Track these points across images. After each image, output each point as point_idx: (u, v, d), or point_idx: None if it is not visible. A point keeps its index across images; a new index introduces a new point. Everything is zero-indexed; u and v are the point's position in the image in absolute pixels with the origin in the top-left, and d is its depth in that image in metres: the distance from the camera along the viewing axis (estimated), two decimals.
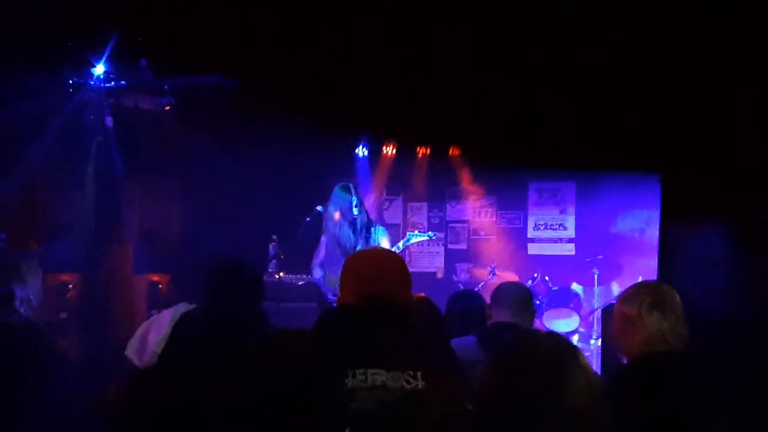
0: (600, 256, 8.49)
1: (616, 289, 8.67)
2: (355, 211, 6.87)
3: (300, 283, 7.74)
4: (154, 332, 3.71)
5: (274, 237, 7.90)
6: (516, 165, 9.23)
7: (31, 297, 3.99)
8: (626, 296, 3.02)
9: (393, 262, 2.84)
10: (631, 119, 5.74)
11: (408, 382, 2.51)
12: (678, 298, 2.97)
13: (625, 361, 3.01)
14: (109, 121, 7.65)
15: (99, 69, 7.45)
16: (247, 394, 2.19)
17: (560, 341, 2.12)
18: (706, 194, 4.95)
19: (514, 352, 2.12)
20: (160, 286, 8.53)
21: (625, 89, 5.71)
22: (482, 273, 9.03)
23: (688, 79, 5.17)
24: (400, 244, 7.09)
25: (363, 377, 2.51)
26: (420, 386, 2.52)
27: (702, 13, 4.91)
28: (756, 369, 3.95)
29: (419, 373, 2.52)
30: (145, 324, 3.81)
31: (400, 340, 2.58)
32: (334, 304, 6.99)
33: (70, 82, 7.48)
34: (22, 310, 3.93)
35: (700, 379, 2.82)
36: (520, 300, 4.16)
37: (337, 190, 7.00)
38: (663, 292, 2.98)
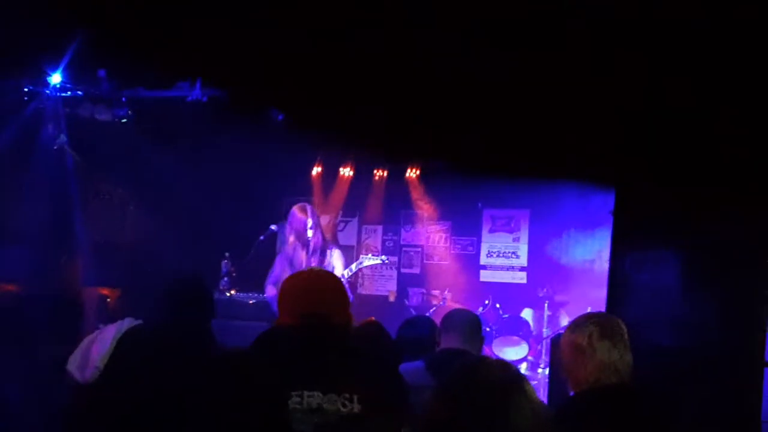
0: (544, 290, 8.59)
1: (564, 318, 8.75)
2: (310, 233, 6.85)
3: (251, 302, 7.70)
4: (97, 347, 3.65)
5: (227, 254, 7.86)
6: (471, 189, 9.31)
7: None
8: (576, 325, 3.04)
9: (331, 282, 2.84)
10: (585, 145, 5.80)
11: (344, 406, 2.50)
12: (624, 328, 3.01)
13: (572, 392, 3.03)
14: (63, 138, 7.57)
15: (56, 78, 7.37)
16: (191, 411, 2.16)
17: (507, 369, 2.13)
18: (656, 225, 5.02)
19: (461, 379, 2.12)
20: (108, 299, 8.42)
21: (579, 115, 5.78)
22: (436, 298, 9.06)
23: (641, 106, 5.24)
24: (353, 266, 7.08)
25: (299, 399, 2.50)
26: (356, 410, 2.51)
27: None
28: (703, 399, 4.01)
29: (356, 397, 2.51)
30: (87, 339, 3.74)
31: (338, 362, 2.57)
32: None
33: (26, 90, 7.38)
34: None
35: (648, 410, 2.85)
36: (470, 326, 4.17)
37: (293, 210, 6.98)
38: (611, 322, 3.02)
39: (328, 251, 7.03)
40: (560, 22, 5.00)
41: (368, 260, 7.22)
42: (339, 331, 2.66)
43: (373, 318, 3.69)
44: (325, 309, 2.68)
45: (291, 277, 2.91)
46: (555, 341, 5.16)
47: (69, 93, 7.52)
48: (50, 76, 7.33)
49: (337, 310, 2.72)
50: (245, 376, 2.08)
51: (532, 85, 5.75)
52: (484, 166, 8.32)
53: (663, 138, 4.97)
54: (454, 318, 4.22)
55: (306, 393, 2.50)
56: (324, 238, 7.11)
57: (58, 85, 7.45)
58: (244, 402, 2.06)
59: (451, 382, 2.12)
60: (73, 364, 3.64)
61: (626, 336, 2.98)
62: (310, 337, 2.58)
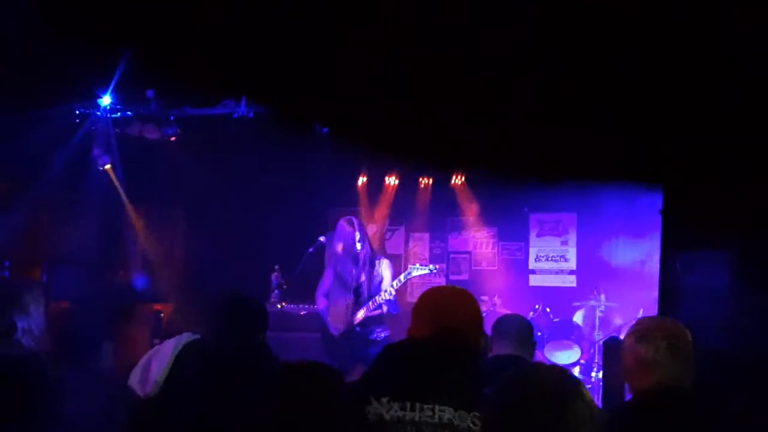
0: (594, 293, 8.53)
1: (617, 320, 8.68)
2: (359, 246, 6.89)
3: (302, 313, 7.78)
4: (156, 362, 3.74)
5: (277, 267, 7.95)
6: (517, 194, 9.29)
7: (34, 327, 3.98)
8: (641, 335, 2.97)
9: (469, 302, 2.85)
10: (634, 149, 5.76)
11: (474, 424, 2.52)
12: (690, 338, 2.95)
13: (628, 396, 3.00)
14: (105, 159, 7.72)
15: (105, 99, 7.53)
16: (256, 424, 2.20)
17: (564, 374, 2.14)
18: (707, 227, 4.97)
19: (518, 386, 2.13)
20: (162, 315, 8.56)
21: (630, 117, 5.74)
22: (486, 304, 9.05)
23: (692, 110, 5.19)
24: (402, 277, 7.09)
25: (431, 413, 2.53)
26: (478, 429, 2.52)
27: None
28: (755, 403, 3.96)
29: (479, 415, 2.53)
30: (147, 354, 3.84)
31: (468, 380, 2.58)
32: (333, 333, 7.04)
33: (77, 112, 7.56)
34: (24, 341, 3.93)
35: (704, 414, 2.82)
36: (521, 332, 4.17)
37: (341, 223, 7.03)
38: (679, 336, 2.94)
39: (377, 262, 7.07)
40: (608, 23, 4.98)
41: (417, 270, 7.22)
42: (471, 349, 2.69)
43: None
44: (461, 325, 2.70)
45: (430, 290, 2.92)
46: (608, 344, 5.14)
47: (119, 114, 7.68)
48: (101, 98, 7.50)
49: (472, 329, 2.74)
50: (320, 390, 2.09)
51: (574, 87, 5.74)
52: (529, 170, 8.30)
53: (712, 136, 4.93)
54: (505, 324, 4.22)
55: (438, 407, 2.53)
56: (372, 250, 7.15)
57: (108, 107, 7.61)
58: (318, 417, 2.07)
59: (507, 388, 2.13)
60: (134, 379, 3.74)
61: (691, 348, 2.92)
62: (444, 352, 2.60)
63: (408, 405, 2.53)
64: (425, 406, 2.53)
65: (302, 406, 2.08)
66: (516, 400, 2.05)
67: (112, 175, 8.03)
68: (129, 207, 8.24)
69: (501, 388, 2.17)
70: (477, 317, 2.80)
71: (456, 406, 2.51)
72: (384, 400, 2.54)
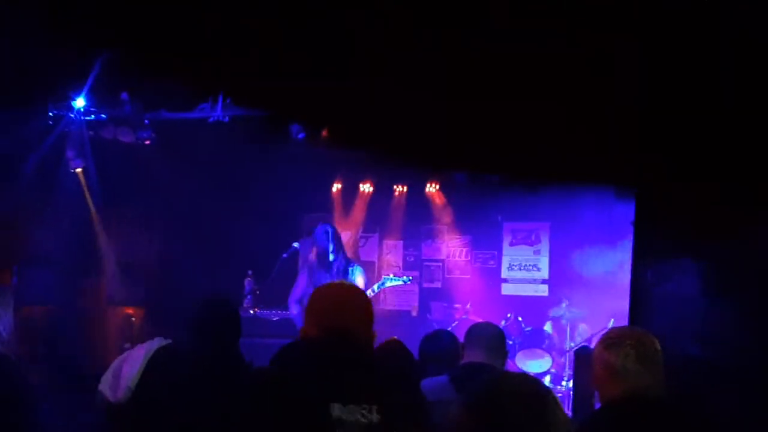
0: (565, 303, 8.60)
1: (586, 331, 8.74)
2: (331, 257, 6.92)
3: (275, 319, 7.77)
4: (128, 367, 3.71)
5: (250, 272, 7.94)
6: (491, 203, 9.34)
7: (1, 330, 3.96)
8: (610, 343, 2.97)
9: (357, 297, 2.85)
10: (604, 149, 5.78)
11: (363, 416, 2.54)
12: (659, 347, 2.95)
13: (598, 404, 3.02)
14: (78, 163, 7.68)
15: (80, 102, 7.49)
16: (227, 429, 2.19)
17: (535, 383, 2.15)
18: (679, 234, 5.00)
19: (493, 393, 2.13)
20: (133, 318, 8.52)
21: (597, 117, 5.76)
22: (459, 312, 9.09)
23: (668, 117, 5.20)
24: (375, 287, 7.13)
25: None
26: (375, 420, 2.55)
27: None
28: (728, 411, 4.01)
29: (374, 407, 2.55)
30: (119, 359, 3.80)
31: (358, 376, 2.60)
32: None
33: (51, 114, 7.50)
34: None
35: (675, 424, 2.85)
36: (494, 340, 4.17)
37: (317, 230, 7.04)
38: (647, 344, 2.94)
39: (350, 269, 7.09)
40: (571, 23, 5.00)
41: (390, 281, 7.25)
42: (361, 347, 2.70)
43: (395, 337, 3.72)
44: (349, 324, 2.71)
45: (318, 289, 2.92)
46: (579, 354, 5.18)
47: (93, 116, 7.64)
48: (74, 100, 7.46)
49: (361, 326, 2.75)
50: (284, 395, 2.10)
51: (545, 90, 5.76)
52: (503, 176, 8.33)
53: (685, 140, 4.95)
54: (477, 332, 4.22)
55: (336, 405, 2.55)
56: (346, 258, 7.17)
57: (82, 109, 7.57)
58: (284, 420, 2.07)
59: (480, 394, 2.13)
60: (104, 384, 3.70)
61: (660, 357, 2.92)
62: (333, 351, 2.62)
63: None
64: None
65: (273, 411, 2.07)
66: (492, 407, 2.05)
67: (82, 179, 7.97)
68: (93, 212, 8.17)
69: (475, 393, 2.17)
70: (365, 315, 2.79)
71: (344, 401, 2.54)
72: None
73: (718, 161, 4.86)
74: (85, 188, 8.02)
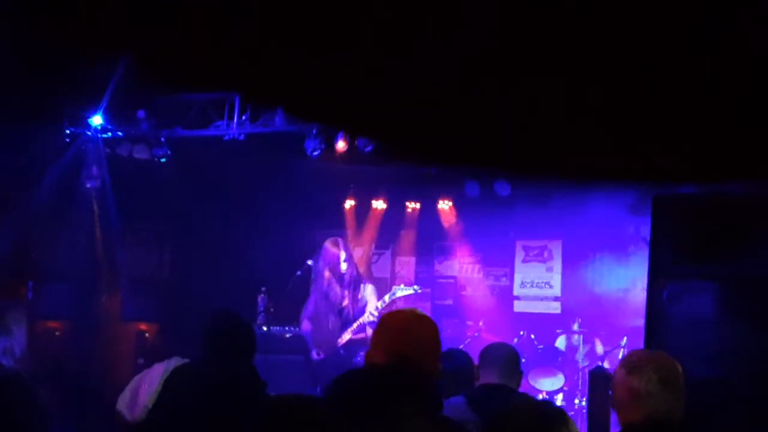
0: (578, 321, 8.60)
1: (599, 347, 8.73)
2: (344, 266, 6.93)
3: (287, 336, 7.78)
4: (145, 386, 3.73)
5: (263, 289, 7.96)
6: (504, 220, 9.35)
7: (15, 347, 3.99)
8: (632, 367, 2.97)
9: (429, 328, 2.78)
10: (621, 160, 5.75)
11: None
12: (681, 370, 2.96)
13: (614, 428, 3.02)
14: (93, 183, 7.74)
15: (96, 119, 7.54)
16: None
17: (553, 409, 2.17)
18: (695, 254, 4.98)
19: (512, 416, 2.15)
20: (147, 335, 8.55)
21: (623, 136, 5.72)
22: (471, 329, 9.08)
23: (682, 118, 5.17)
24: (386, 297, 7.13)
25: None
26: None
27: None
28: None
29: None
30: (136, 378, 3.82)
31: (422, 407, 2.57)
32: (314, 359, 7.03)
33: (67, 132, 7.56)
34: (4, 360, 3.92)
35: None
36: (509, 362, 4.19)
37: (326, 244, 7.07)
38: (671, 369, 2.95)
39: (362, 285, 7.11)
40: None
41: (401, 291, 7.26)
42: (426, 378, 2.67)
43: None
44: (418, 353, 2.66)
45: (391, 313, 2.87)
46: (594, 374, 5.16)
47: (109, 134, 7.69)
48: (91, 118, 7.52)
49: (429, 358, 2.71)
50: (304, 423, 2.09)
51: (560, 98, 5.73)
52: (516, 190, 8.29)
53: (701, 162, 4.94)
54: (492, 353, 4.24)
55: None
56: (357, 272, 7.19)
57: (98, 127, 7.62)
58: None
59: (501, 417, 2.15)
60: (122, 403, 3.72)
61: (681, 381, 2.93)
62: (397, 380, 2.59)
63: None
64: None
65: None
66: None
67: (97, 196, 8.03)
68: (118, 226, 8.21)
69: (491, 420, 2.19)
70: (435, 345, 2.75)
71: None
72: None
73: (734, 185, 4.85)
74: (100, 205, 8.07)
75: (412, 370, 2.62)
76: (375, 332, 2.78)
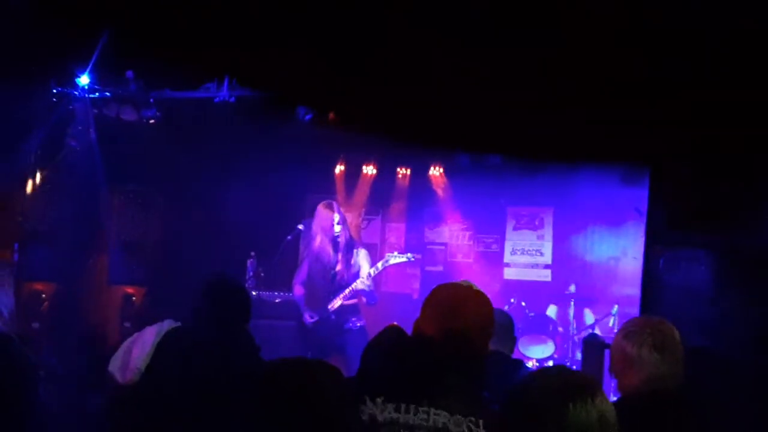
0: (571, 287, 8.59)
1: (590, 316, 8.74)
2: (337, 228, 6.87)
3: (277, 300, 7.75)
4: (137, 349, 3.67)
5: (253, 253, 7.91)
6: (495, 186, 9.31)
7: (2, 308, 3.91)
8: (628, 332, 2.99)
9: (482, 304, 2.70)
10: (618, 130, 5.71)
11: (470, 429, 2.48)
12: (678, 337, 2.96)
13: (609, 394, 3.00)
14: (76, 143, 7.63)
15: (84, 79, 7.42)
16: (238, 413, 2.14)
17: (584, 377, 2.11)
18: (691, 223, 4.97)
19: (525, 389, 2.09)
20: (134, 298, 8.49)
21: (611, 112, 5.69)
22: None
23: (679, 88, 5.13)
24: (379, 264, 7.09)
25: (425, 416, 2.47)
26: None
27: None
28: (738, 403, 4.00)
29: (481, 422, 2.46)
30: (128, 340, 3.76)
31: (468, 384, 2.52)
32: (307, 322, 7.00)
33: (54, 91, 7.44)
34: None
35: (690, 416, 2.84)
36: (503, 327, 4.18)
37: (320, 207, 7.01)
38: (666, 333, 2.95)
39: (355, 250, 7.06)
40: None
41: (394, 258, 7.22)
42: (476, 354, 2.60)
43: (395, 323, 3.68)
44: (469, 328, 2.60)
45: (443, 286, 2.76)
46: (587, 341, 5.16)
47: (97, 94, 7.57)
48: (79, 77, 7.39)
49: (480, 332, 2.64)
50: (303, 386, 2.03)
51: (558, 69, 5.67)
52: (510, 153, 8.25)
53: (699, 132, 4.90)
54: None
55: (433, 410, 2.47)
56: (351, 235, 7.14)
57: (86, 87, 7.50)
58: (300, 412, 2.01)
59: (516, 394, 2.09)
60: (113, 366, 3.67)
61: (679, 347, 2.93)
62: (446, 354, 2.51)
63: (402, 407, 2.49)
64: (420, 409, 2.48)
65: (302, 407, 2.01)
66: (526, 404, 2.02)
67: (85, 157, 7.92)
68: (106, 188, 8.12)
69: (514, 394, 2.11)
70: (488, 321, 2.68)
71: (452, 411, 2.46)
72: (379, 400, 2.50)
73: (733, 157, 4.82)
74: (88, 167, 7.96)
75: (462, 347, 2.56)
76: (426, 303, 2.70)
